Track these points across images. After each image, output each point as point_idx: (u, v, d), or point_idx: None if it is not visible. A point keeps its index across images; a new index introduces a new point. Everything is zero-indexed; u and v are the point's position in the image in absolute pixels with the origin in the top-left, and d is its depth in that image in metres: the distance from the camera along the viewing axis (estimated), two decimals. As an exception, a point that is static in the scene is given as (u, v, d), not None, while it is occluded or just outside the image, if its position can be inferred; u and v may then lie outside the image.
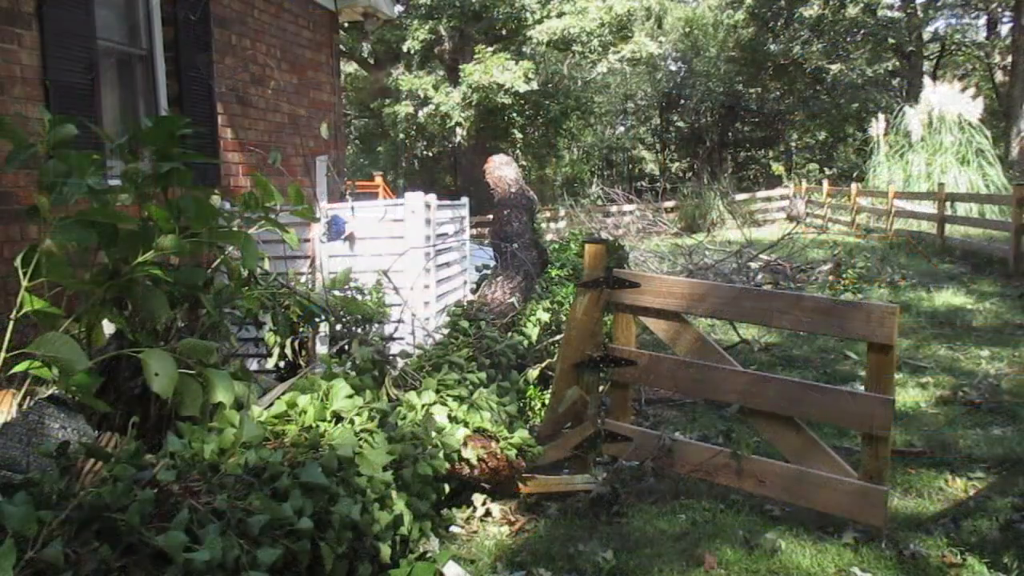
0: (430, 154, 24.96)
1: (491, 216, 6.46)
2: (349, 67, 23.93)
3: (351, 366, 3.38)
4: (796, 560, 2.81)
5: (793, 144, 27.31)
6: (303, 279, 4.98)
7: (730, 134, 27.10)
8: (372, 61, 23.29)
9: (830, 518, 3.08)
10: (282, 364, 4.25)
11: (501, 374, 4.08)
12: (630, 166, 28.33)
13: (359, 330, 4.28)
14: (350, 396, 2.88)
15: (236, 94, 6.17)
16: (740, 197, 19.78)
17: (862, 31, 23.94)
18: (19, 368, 2.21)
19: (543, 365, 4.64)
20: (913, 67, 24.04)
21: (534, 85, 18.77)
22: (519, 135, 20.20)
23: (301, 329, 4.17)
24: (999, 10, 24.22)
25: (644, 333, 4.52)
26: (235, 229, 3.09)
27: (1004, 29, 25.23)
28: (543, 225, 13.67)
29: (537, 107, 20.11)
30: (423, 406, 3.22)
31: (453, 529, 3.15)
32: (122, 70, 5.26)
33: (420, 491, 2.85)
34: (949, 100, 14.46)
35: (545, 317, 5.20)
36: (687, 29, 26.62)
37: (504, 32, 19.93)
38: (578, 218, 17.17)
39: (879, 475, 2.95)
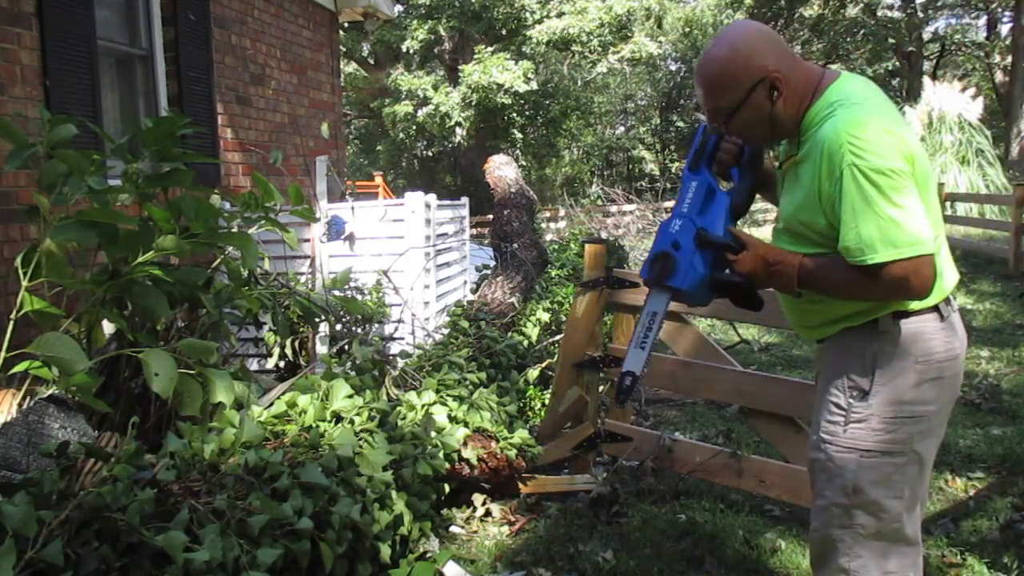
0: (430, 154, 24.94)
1: (491, 216, 6.47)
2: (349, 67, 23.92)
3: (351, 366, 3.38)
4: (796, 560, 2.81)
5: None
6: (303, 279, 4.98)
7: (730, 134, 27.08)
8: (372, 61, 23.28)
9: (830, 518, 3.08)
10: (282, 364, 4.26)
11: (501, 374, 4.08)
12: (630, 166, 28.31)
13: (359, 330, 4.29)
14: (350, 396, 2.88)
15: (236, 94, 6.17)
16: (740, 197, 19.73)
17: (862, 31, 23.93)
18: (19, 368, 2.21)
19: (543, 365, 4.64)
20: (913, 67, 24.05)
21: (534, 85, 18.76)
22: (519, 135, 20.18)
23: (301, 329, 4.18)
24: (999, 10, 24.23)
25: (644, 333, 4.51)
26: (235, 229, 3.09)
27: (1004, 29, 25.24)
28: (543, 225, 13.66)
29: (537, 107, 20.10)
30: (423, 406, 3.22)
31: (453, 529, 3.15)
32: (122, 70, 5.26)
33: (420, 491, 2.85)
34: (949, 100, 14.45)
35: (545, 317, 5.21)
36: (687, 29, 26.60)
37: (504, 32, 19.92)
38: (578, 218, 17.15)
39: (879, 475, 2.95)
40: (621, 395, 1.91)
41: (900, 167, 1.61)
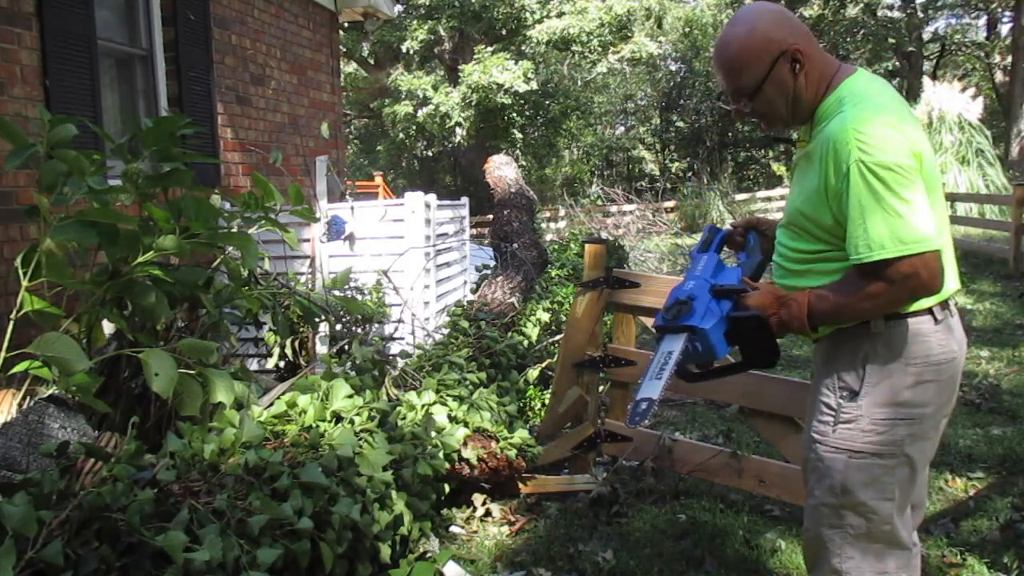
0: (430, 154, 24.93)
1: (491, 216, 6.47)
2: (349, 67, 23.90)
3: (351, 366, 3.38)
4: (796, 560, 2.81)
5: (793, 144, 27.24)
6: (303, 279, 4.98)
7: (730, 134, 27.06)
8: (372, 61, 23.27)
9: (830, 518, 3.08)
10: (282, 364, 4.26)
11: (501, 374, 4.08)
12: (630, 166, 28.30)
13: (359, 330, 4.29)
14: (350, 396, 2.88)
15: (236, 94, 6.17)
16: (740, 197, 19.74)
17: (862, 31, 23.93)
18: (19, 368, 2.21)
19: (543, 365, 4.64)
20: (913, 67, 24.05)
21: (534, 85, 18.75)
22: (519, 135, 20.17)
23: (301, 329, 4.18)
24: (999, 10, 24.23)
25: (644, 333, 4.52)
26: (235, 229, 3.09)
27: (1004, 29, 25.25)
28: (543, 225, 13.66)
29: (537, 107, 20.10)
30: (423, 406, 3.22)
31: (453, 529, 3.15)
32: (122, 70, 5.26)
33: (420, 491, 2.85)
34: (949, 100, 14.45)
35: (545, 317, 5.21)
36: (687, 29, 26.60)
37: (504, 32, 19.92)
38: (578, 218, 17.15)
39: (879, 475, 2.95)
40: (637, 416, 1.81)
41: (907, 163, 1.61)
